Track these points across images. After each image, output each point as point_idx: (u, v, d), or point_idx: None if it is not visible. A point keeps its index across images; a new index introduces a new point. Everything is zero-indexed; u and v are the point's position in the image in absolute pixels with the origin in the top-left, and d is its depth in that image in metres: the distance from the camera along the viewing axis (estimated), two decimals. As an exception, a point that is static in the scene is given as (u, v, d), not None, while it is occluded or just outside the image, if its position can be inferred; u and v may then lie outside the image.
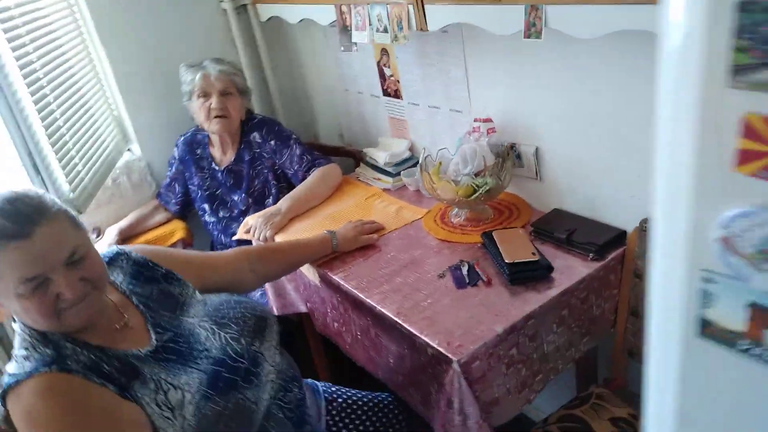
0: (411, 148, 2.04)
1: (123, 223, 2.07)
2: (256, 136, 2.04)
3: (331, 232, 1.58)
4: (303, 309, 1.79)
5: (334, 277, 1.51)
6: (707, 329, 0.62)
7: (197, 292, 1.22)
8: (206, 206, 2.10)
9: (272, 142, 2.02)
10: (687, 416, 0.67)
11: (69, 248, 0.98)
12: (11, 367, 0.99)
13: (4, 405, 0.97)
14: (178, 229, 2.12)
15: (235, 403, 1.05)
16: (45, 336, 1.01)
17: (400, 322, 1.31)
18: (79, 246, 1.00)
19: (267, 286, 1.83)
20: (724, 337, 0.60)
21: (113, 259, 1.19)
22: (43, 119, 1.69)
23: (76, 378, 0.96)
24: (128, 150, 2.26)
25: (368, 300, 1.40)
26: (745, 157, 0.53)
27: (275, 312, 1.83)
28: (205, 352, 1.10)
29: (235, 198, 2.06)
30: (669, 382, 0.67)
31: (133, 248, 1.23)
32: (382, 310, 1.36)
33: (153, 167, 2.26)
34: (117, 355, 1.03)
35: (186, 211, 2.18)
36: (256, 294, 1.93)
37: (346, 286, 1.47)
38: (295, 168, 2.00)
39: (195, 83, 1.95)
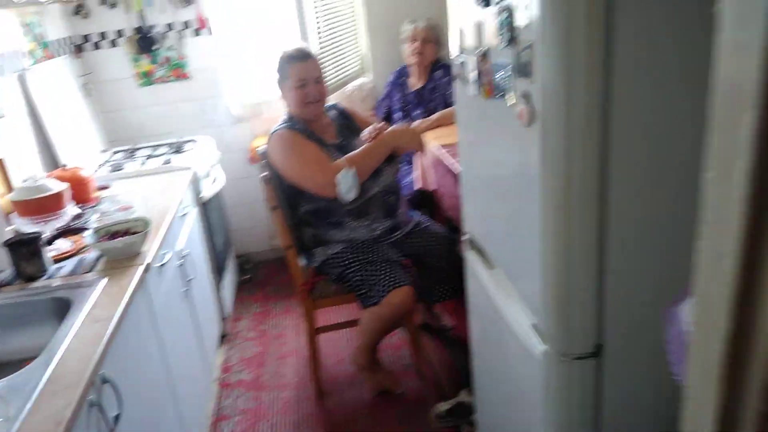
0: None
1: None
2: (439, 74, 3.01)
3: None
4: (432, 188, 2.72)
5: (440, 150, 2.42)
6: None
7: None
8: (398, 116, 3.15)
9: (447, 79, 2.96)
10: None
11: (318, 74, 2.20)
12: (275, 126, 2.22)
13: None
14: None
15: None
16: (292, 117, 2.23)
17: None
18: (321, 77, 2.21)
19: (419, 165, 2.81)
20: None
21: (331, 105, 2.40)
22: (320, 42, 2.96)
23: (295, 131, 2.17)
24: (363, 77, 3.44)
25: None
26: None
27: (419, 184, 2.79)
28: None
29: (416, 113, 3.08)
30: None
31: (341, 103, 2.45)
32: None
33: (376, 89, 3.40)
34: (320, 137, 2.22)
35: (387, 119, 3.27)
36: (410, 171, 2.91)
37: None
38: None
39: (407, 32, 3.00)
